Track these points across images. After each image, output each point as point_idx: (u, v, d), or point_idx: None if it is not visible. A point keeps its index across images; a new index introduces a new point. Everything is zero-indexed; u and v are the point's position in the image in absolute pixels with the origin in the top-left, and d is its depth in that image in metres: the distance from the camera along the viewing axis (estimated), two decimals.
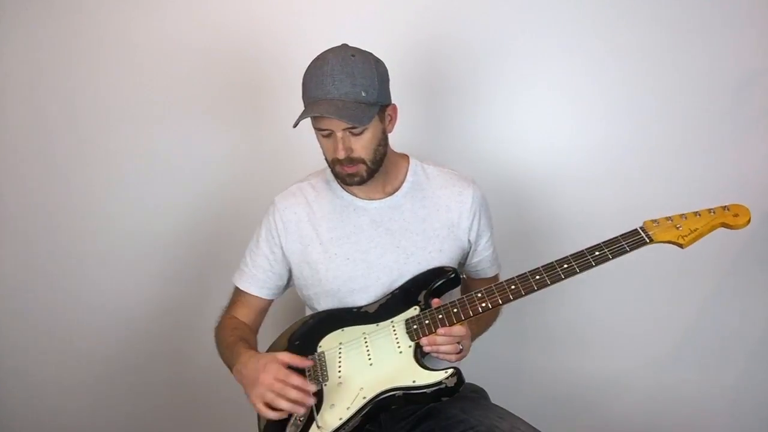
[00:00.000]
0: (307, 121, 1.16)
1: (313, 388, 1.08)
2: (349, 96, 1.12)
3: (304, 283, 1.31)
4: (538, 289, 1.12)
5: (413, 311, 1.20)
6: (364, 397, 1.11)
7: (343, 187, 1.29)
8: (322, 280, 1.27)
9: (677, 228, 1.10)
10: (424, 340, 1.14)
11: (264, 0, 1.73)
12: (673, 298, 1.75)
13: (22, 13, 1.75)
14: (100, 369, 1.91)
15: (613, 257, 1.10)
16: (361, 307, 1.25)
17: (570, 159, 1.71)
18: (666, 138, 1.66)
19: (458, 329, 1.13)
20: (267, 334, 1.34)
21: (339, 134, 1.15)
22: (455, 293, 1.28)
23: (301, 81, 1.17)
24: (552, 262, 1.12)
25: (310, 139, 1.25)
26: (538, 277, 1.12)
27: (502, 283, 1.15)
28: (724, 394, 1.78)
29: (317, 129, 1.18)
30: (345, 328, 1.23)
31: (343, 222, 1.28)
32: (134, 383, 1.93)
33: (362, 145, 1.17)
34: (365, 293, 1.26)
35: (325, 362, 1.20)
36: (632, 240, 1.10)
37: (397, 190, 1.30)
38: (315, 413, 1.11)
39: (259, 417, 1.21)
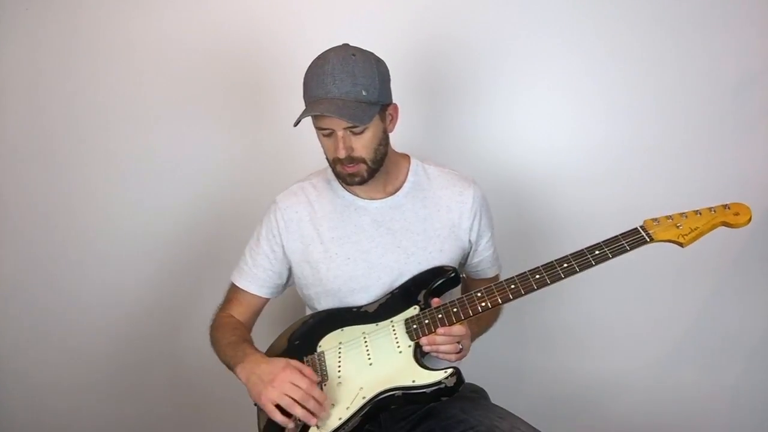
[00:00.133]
0: (308, 122, 1.16)
1: (326, 400, 1.09)
2: (350, 95, 1.12)
3: (305, 282, 1.31)
4: (538, 288, 1.12)
5: (413, 311, 1.20)
6: (364, 397, 1.11)
7: (344, 187, 1.29)
8: (322, 280, 1.26)
9: (677, 227, 1.09)
10: (423, 340, 1.14)
11: (264, 0, 1.73)
12: (674, 298, 1.75)
13: (22, 13, 1.75)
14: (100, 369, 1.91)
15: (613, 256, 1.09)
16: (360, 307, 1.25)
17: (570, 159, 1.71)
18: (666, 138, 1.66)
19: (458, 329, 1.13)
20: (266, 334, 1.34)
21: (340, 133, 1.15)
22: (455, 293, 1.28)
23: (301, 81, 1.17)
24: (552, 262, 1.12)
25: (310, 140, 1.25)
26: (538, 276, 1.12)
27: (501, 282, 1.15)
28: (725, 394, 1.78)
29: (318, 128, 1.18)
30: (344, 328, 1.23)
31: (344, 222, 1.28)
32: (134, 383, 1.93)
33: (363, 145, 1.17)
34: (366, 293, 1.25)
35: (324, 362, 1.19)
36: (632, 239, 1.10)
37: (398, 190, 1.30)
38: None
39: (259, 417, 1.21)
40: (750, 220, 1.08)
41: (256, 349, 1.20)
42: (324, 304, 1.29)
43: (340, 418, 1.10)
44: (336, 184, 1.30)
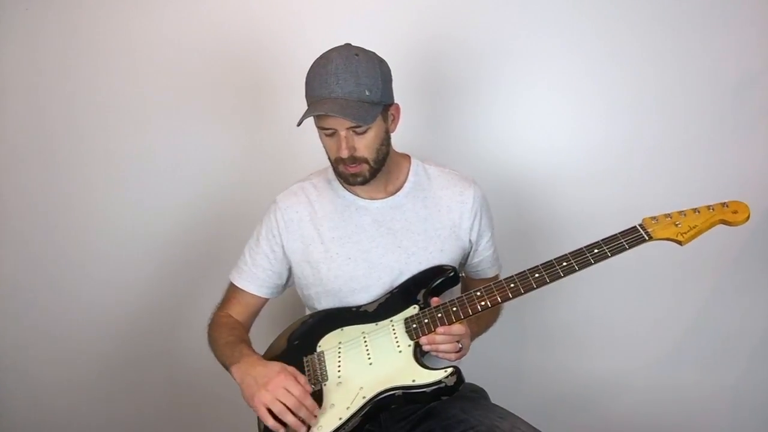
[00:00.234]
0: (308, 121, 1.15)
1: (318, 411, 1.10)
2: (353, 95, 1.12)
3: (305, 282, 1.30)
4: (538, 287, 1.12)
5: (412, 310, 1.20)
6: (364, 397, 1.11)
7: (345, 187, 1.29)
8: (323, 280, 1.26)
9: (676, 225, 1.09)
10: (423, 339, 1.14)
11: (265, 0, 1.73)
12: (674, 297, 1.75)
13: (22, 13, 1.75)
14: (100, 368, 1.91)
15: (612, 255, 1.10)
16: (360, 306, 1.25)
17: (570, 159, 1.71)
18: (666, 138, 1.66)
19: (457, 328, 1.13)
20: (266, 334, 1.34)
21: (342, 133, 1.15)
22: (455, 292, 1.28)
23: (301, 81, 1.17)
24: (551, 261, 1.13)
25: (311, 140, 1.25)
26: (537, 275, 1.12)
27: (501, 281, 1.15)
28: (725, 393, 1.78)
29: (320, 128, 1.18)
30: (344, 328, 1.23)
31: (345, 222, 1.28)
32: (134, 382, 1.93)
33: (365, 145, 1.17)
34: (366, 293, 1.25)
35: (324, 362, 1.19)
36: (631, 237, 1.10)
37: (398, 190, 1.30)
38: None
39: (259, 417, 1.21)
40: (748, 218, 1.08)
41: (253, 351, 1.20)
42: (324, 304, 1.29)
43: (340, 418, 1.10)
44: (337, 183, 1.30)
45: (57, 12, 1.75)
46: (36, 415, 1.95)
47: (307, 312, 1.38)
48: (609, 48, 1.64)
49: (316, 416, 1.09)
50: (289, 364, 1.16)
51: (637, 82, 1.64)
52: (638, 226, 1.11)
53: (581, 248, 1.12)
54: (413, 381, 1.10)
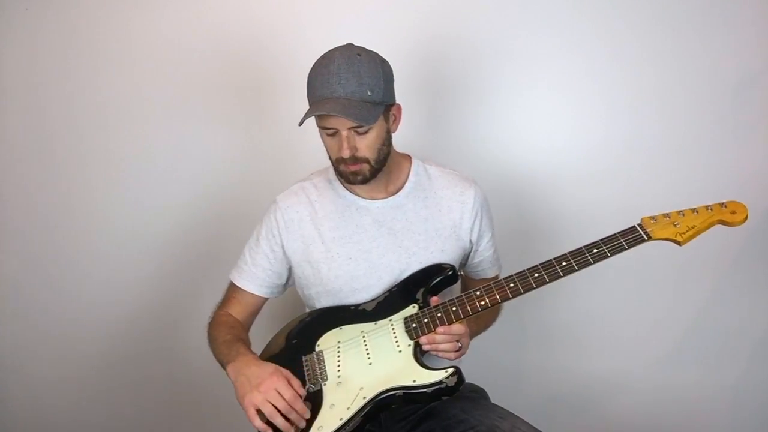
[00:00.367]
0: (308, 121, 1.15)
1: (308, 415, 1.10)
2: (355, 95, 1.12)
3: (306, 282, 1.30)
4: (537, 287, 1.12)
5: (412, 309, 1.20)
6: (365, 397, 1.11)
7: (345, 187, 1.29)
8: (323, 280, 1.26)
9: (675, 225, 1.10)
10: (423, 339, 1.14)
11: (265, 0, 1.73)
12: (674, 297, 1.74)
13: (22, 13, 1.75)
14: (100, 367, 1.91)
15: (612, 255, 1.10)
16: (358, 305, 1.25)
17: (570, 159, 1.71)
18: (666, 138, 1.66)
19: (457, 328, 1.13)
20: (266, 334, 1.34)
21: (344, 133, 1.15)
22: (454, 291, 1.28)
23: (302, 81, 1.18)
24: (551, 260, 1.13)
25: (311, 140, 1.25)
26: (537, 275, 1.12)
27: (501, 281, 1.15)
28: (725, 394, 1.78)
29: (322, 128, 1.18)
30: (343, 327, 1.23)
31: (346, 221, 1.28)
32: (134, 381, 1.93)
33: (367, 145, 1.17)
34: (367, 293, 1.25)
35: (323, 361, 1.19)
36: (630, 237, 1.10)
37: (399, 190, 1.30)
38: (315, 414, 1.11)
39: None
40: (746, 218, 1.08)
41: (249, 350, 1.20)
42: (324, 303, 1.29)
43: (340, 419, 1.10)
44: (337, 183, 1.31)
45: (57, 12, 1.75)
46: (36, 415, 1.96)
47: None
48: (609, 48, 1.64)
49: (306, 419, 1.09)
50: (287, 363, 1.16)
51: (637, 82, 1.64)
52: (637, 226, 1.11)
53: (581, 248, 1.12)
54: (414, 381, 1.10)
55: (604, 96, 1.67)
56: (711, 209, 1.10)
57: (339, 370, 1.17)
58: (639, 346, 1.79)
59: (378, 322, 1.21)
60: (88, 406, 1.95)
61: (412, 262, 1.25)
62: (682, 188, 1.65)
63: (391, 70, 1.21)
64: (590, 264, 1.10)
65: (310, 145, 1.29)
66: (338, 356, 1.19)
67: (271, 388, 1.08)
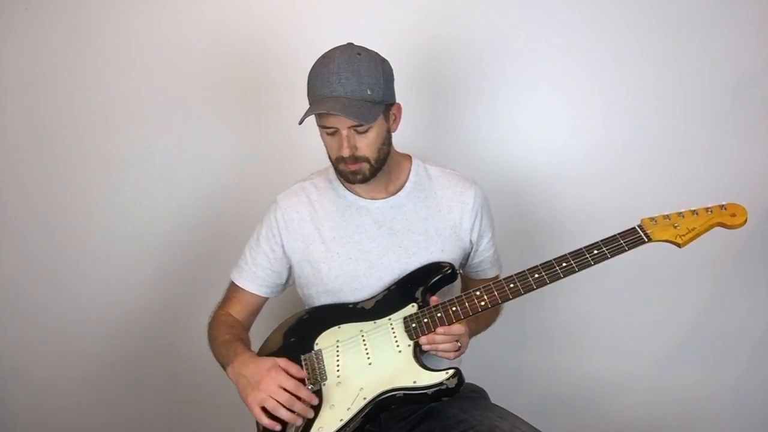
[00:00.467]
0: (308, 121, 1.15)
1: (315, 400, 1.09)
2: (356, 94, 1.12)
3: (306, 282, 1.30)
4: (537, 287, 1.12)
5: (411, 308, 1.19)
6: (365, 398, 1.11)
7: (346, 187, 1.29)
8: (324, 279, 1.26)
9: (675, 227, 1.10)
10: (423, 339, 1.14)
11: (265, 0, 1.73)
12: (674, 298, 1.74)
13: (22, 13, 1.75)
14: (100, 367, 1.91)
15: (612, 256, 1.10)
16: (357, 303, 1.25)
17: (570, 159, 1.71)
18: (666, 138, 1.66)
19: (457, 328, 1.13)
20: (265, 333, 1.34)
21: (344, 132, 1.15)
22: (455, 290, 1.28)
23: (302, 81, 1.18)
24: (551, 261, 1.13)
25: (311, 139, 1.24)
26: (537, 275, 1.12)
27: (501, 281, 1.15)
28: (725, 394, 1.78)
29: (322, 127, 1.18)
30: (341, 325, 1.22)
31: (346, 221, 1.27)
32: (134, 381, 1.93)
33: (367, 144, 1.17)
34: (367, 293, 1.25)
35: (322, 361, 1.19)
36: (630, 239, 1.10)
37: (399, 190, 1.30)
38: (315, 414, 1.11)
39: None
40: (746, 221, 1.08)
41: (246, 349, 1.20)
42: (324, 303, 1.29)
43: (341, 419, 1.10)
44: (338, 183, 1.31)
45: (57, 12, 1.75)
46: (36, 415, 1.96)
47: None
48: (609, 48, 1.64)
49: (313, 405, 1.09)
50: None
51: (637, 82, 1.64)
52: (637, 228, 1.11)
53: (581, 249, 1.12)
54: (414, 382, 1.10)
55: (604, 96, 1.67)
56: (711, 211, 1.10)
57: (338, 370, 1.16)
58: (639, 347, 1.79)
59: (377, 321, 1.20)
60: (88, 406, 1.95)
61: (412, 262, 1.25)
62: (682, 188, 1.65)
63: (391, 70, 1.21)
64: (590, 265, 1.10)
65: (310, 145, 1.29)
66: (337, 355, 1.19)
67: (272, 383, 1.08)
